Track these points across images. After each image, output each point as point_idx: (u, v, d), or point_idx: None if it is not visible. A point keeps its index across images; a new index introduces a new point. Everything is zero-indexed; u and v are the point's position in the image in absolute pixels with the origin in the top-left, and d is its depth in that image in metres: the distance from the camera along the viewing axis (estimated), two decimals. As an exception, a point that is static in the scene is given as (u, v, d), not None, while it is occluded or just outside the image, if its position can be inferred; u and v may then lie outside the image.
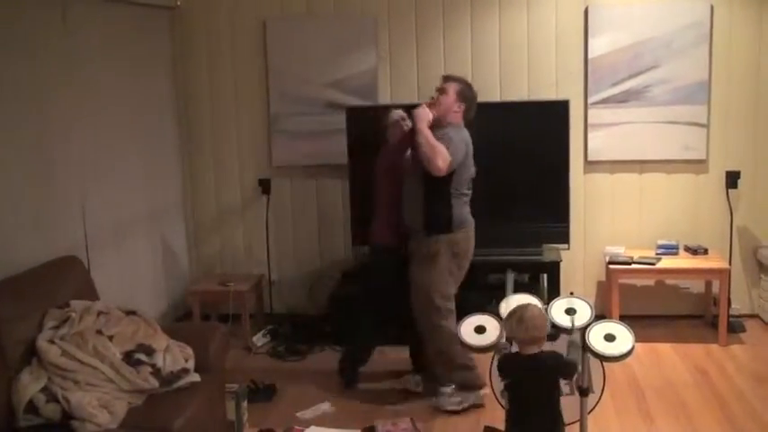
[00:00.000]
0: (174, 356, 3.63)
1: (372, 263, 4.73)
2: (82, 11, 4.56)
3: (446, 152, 4.10)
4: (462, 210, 4.30)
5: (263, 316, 5.77)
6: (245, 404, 4.16)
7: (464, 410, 4.33)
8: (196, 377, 3.65)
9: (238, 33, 5.76)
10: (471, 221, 4.36)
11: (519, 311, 3.24)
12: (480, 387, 4.37)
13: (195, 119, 5.89)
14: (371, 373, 4.87)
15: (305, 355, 5.22)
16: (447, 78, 4.38)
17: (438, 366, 4.42)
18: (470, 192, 4.35)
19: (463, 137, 4.27)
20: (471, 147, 4.31)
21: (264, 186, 5.82)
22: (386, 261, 4.58)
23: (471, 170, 4.33)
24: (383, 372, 4.90)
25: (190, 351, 3.73)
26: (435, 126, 4.24)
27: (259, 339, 5.41)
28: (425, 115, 4.20)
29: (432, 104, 4.29)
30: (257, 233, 5.91)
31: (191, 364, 3.67)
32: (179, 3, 5.69)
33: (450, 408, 4.34)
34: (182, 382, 3.57)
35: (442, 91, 4.31)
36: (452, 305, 4.36)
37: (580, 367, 3.40)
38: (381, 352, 5.15)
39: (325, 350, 5.29)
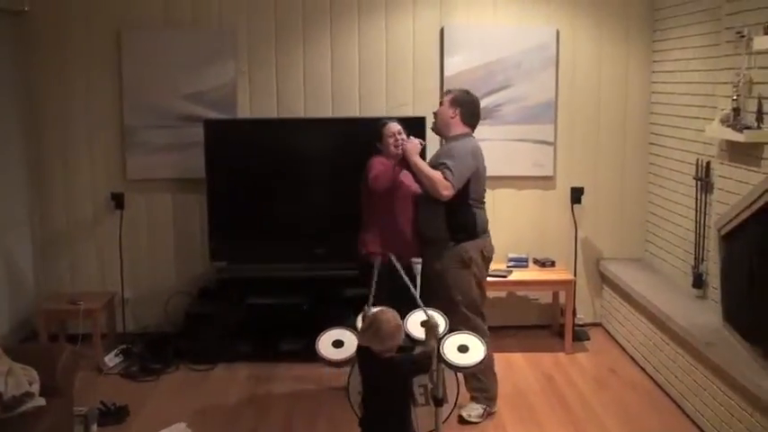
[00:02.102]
0: (17, 380, 3.46)
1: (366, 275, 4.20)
2: None
3: (443, 180, 4.20)
4: (484, 216, 4.43)
5: (116, 335, 5.57)
6: (94, 427, 4.03)
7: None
8: (41, 401, 3.49)
9: (91, 42, 5.55)
10: (488, 229, 4.49)
11: (374, 324, 3.29)
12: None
13: (44, 130, 5.61)
14: (225, 391, 4.82)
15: (159, 374, 5.07)
16: (446, 93, 4.54)
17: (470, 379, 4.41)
18: (483, 203, 4.47)
19: (469, 148, 4.37)
20: (482, 156, 4.41)
21: (118, 201, 5.62)
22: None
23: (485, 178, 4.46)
24: (241, 389, 4.85)
25: (35, 374, 3.57)
26: (444, 141, 4.49)
27: (111, 359, 5.21)
28: (415, 148, 4.31)
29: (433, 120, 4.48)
30: (110, 249, 5.70)
31: (35, 388, 3.51)
32: (26, 8, 5.43)
33: (475, 419, 4.37)
34: (25, 407, 3.42)
35: (439, 105, 4.49)
36: (482, 317, 4.43)
37: (429, 377, 3.51)
38: (229, 368, 5.11)
39: (181, 369, 5.16)
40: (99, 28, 5.54)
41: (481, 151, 4.43)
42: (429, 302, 3.97)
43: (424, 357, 3.35)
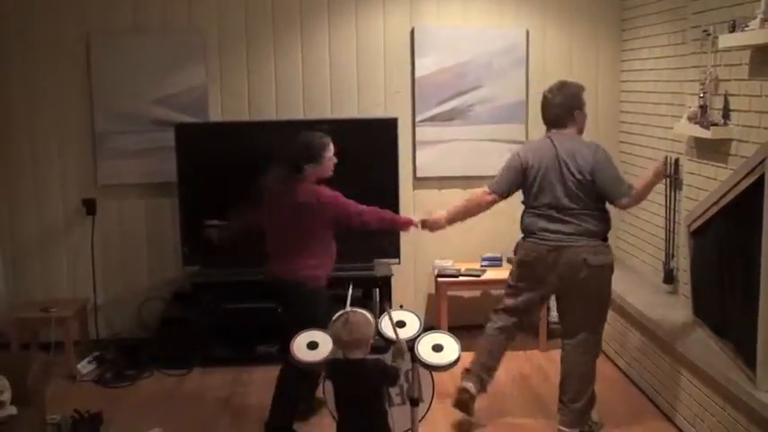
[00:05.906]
0: (-12, 389, 3.42)
1: (312, 305, 4.15)
2: None
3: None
4: (530, 220, 4.22)
5: (89, 342, 5.52)
6: (68, 435, 3.98)
7: None
8: (13, 410, 3.46)
9: (60, 47, 5.49)
10: (540, 233, 4.17)
11: (345, 315, 3.35)
12: None
13: (12, 137, 5.55)
14: (201, 396, 4.79)
15: (134, 380, 5.04)
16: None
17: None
18: (542, 206, 4.16)
19: (519, 149, 4.38)
20: (542, 155, 4.13)
21: (89, 207, 5.58)
22: (323, 302, 4.16)
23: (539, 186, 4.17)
24: (217, 393, 4.83)
25: (6, 382, 3.53)
26: None
27: (84, 367, 5.17)
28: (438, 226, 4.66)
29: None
30: (82, 256, 5.65)
31: (6, 397, 3.47)
32: (-7, 14, 5.38)
33: None
34: (-3, 417, 3.38)
35: None
36: (499, 314, 4.61)
37: (404, 376, 3.52)
38: (204, 373, 5.09)
39: (155, 374, 5.13)
40: (68, 33, 5.49)
41: (544, 151, 4.13)
42: None
43: (392, 370, 3.38)
